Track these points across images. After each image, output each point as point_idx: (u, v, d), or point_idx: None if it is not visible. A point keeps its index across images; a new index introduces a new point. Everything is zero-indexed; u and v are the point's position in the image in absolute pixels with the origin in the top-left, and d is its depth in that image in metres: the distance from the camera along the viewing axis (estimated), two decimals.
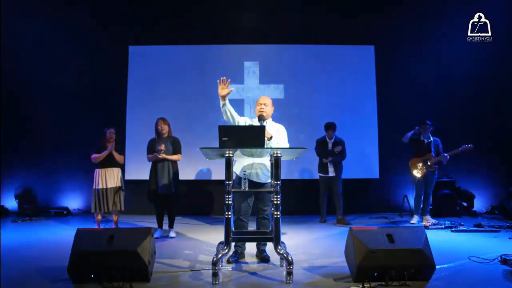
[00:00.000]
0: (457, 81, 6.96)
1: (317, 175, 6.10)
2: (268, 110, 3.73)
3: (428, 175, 5.69)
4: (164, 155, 4.82)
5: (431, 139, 5.76)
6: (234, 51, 6.98)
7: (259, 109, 3.69)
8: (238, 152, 3.51)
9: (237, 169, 3.71)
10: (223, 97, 3.45)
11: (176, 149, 4.98)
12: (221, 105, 3.51)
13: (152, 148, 4.91)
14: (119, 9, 6.89)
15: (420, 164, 5.68)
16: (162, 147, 4.78)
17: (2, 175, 6.60)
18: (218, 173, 6.69)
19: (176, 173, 4.98)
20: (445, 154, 5.58)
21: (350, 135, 5.99)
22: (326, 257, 3.82)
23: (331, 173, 5.88)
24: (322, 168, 5.94)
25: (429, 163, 5.62)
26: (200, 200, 6.88)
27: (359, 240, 2.99)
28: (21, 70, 6.91)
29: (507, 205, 6.27)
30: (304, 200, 6.65)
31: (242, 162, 3.69)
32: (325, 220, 5.94)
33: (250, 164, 3.64)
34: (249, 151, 3.58)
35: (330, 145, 5.89)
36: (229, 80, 3.46)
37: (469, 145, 5.50)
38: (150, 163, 4.97)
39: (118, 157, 5.03)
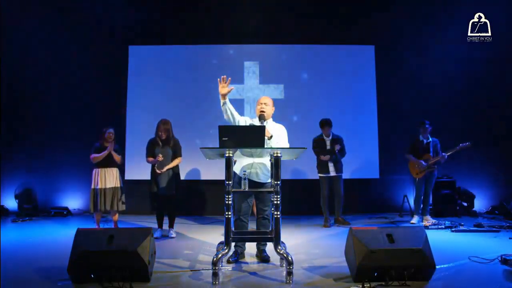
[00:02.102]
0: (457, 81, 6.95)
1: (317, 175, 6.05)
2: (269, 110, 3.73)
3: (427, 175, 5.70)
4: (165, 169, 4.83)
5: (430, 139, 5.77)
6: (234, 51, 6.98)
7: (260, 108, 3.69)
8: (238, 152, 3.51)
9: (237, 169, 3.71)
10: (224, 96, 3.45)
11: (176, 152, 4.97)
12: (221, 104, 3.51)
13: (151, 150, 4.90)
14: (119, 9, 6.88)
15: (419, 164, 5.67)
16: (160, 157, 4.78)
17: (2, 175, 6.59)
18: (218, 173, 6.68)
19: (177, 175, 4.99)
20: (444, 154, 5.58)
21: (350, 135, 5.97)
22: (326, 257, 3.82)
23: (332, 172, 5.66)
24: (322, 167, 5.70)
25: (428, 163, 5.62)
26: (200, 200, 6.87)
27: (359, 240, 2.98)
28: (20, 71, 6.91)
29: (507, 205, 6.26)
30: (304, 200, 6.64)
31: (242, 162, 3.68)
32: (329, 225, 5.58)
33: (250, 164, 3.64)
34: (249, 151, 3.58)
35: (328, 143, 5.71)
36: (230, 78, 3.45)
37: (467, 143, 5.50)
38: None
39: (116, 157, 5.02)
